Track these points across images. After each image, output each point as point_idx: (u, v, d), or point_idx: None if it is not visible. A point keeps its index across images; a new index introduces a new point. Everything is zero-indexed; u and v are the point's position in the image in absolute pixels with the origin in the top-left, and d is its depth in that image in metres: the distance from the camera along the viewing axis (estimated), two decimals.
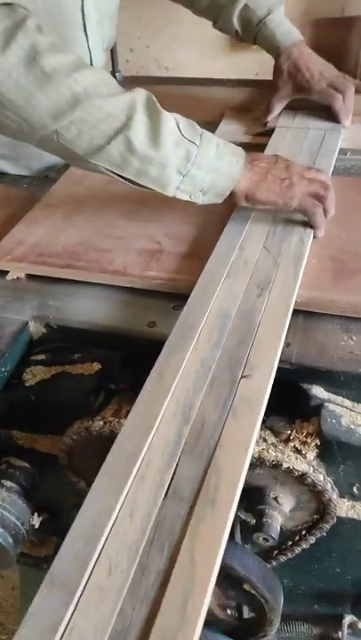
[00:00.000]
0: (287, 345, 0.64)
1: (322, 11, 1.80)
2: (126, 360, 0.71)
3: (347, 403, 0.63)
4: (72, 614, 0.39)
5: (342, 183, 0.88)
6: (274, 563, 0.69)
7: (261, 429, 0.63)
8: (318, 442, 0.61)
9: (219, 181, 0.73)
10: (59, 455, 0.68)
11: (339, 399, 0.63)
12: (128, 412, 0.65)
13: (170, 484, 0.47)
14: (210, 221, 0.82)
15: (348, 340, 0.65)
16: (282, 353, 0.62)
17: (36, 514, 0.73)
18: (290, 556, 0.69)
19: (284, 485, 0.62)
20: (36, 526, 0.73)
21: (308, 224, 0.77)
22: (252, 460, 0.59)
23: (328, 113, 1.04)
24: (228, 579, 0.64)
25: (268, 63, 1.91)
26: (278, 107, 1.08)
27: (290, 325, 0.66)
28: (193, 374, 0.57)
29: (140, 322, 0.70)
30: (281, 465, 0.59)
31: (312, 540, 0.66)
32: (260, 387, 0.55)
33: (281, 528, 0.63)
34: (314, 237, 0.77)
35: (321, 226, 0.77)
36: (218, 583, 0.66)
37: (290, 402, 0.63)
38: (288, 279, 0.68)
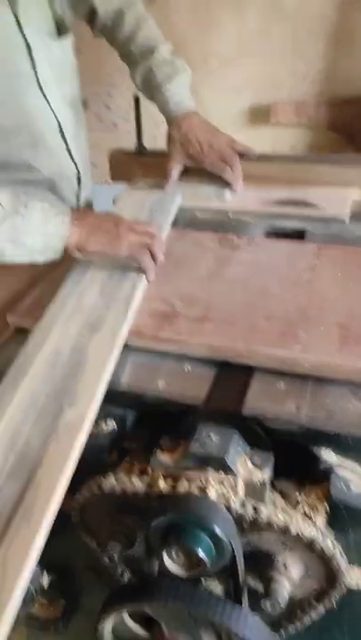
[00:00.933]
0: (297, 409, 0.66)
1: (335, 91, 1.90)
2: (139, 419, 0.72)
3: (357, 468, 0.63)
4: None
5: (347, 252, 0.93)
6: (283, 633, 0.68)
7: (271, 492, 0.63)
8: (327, 507, 0.61)
9: (51, 242, 0.81)
10: (71, 513, 0.69)
11: (349, 463, 0.64)
12: (141, 470, 0.67)
13: None
14: (220, 285, 0.86)
15: (356, 403, 0.66)
16: (292, 416, 0.64)
17: (45, 572, 0.73)
18: (299, 626, 0.67)
19: (292, 551, 0.62)
20: (45, 586, 0.73)
21: (140, 270, 0.85)
22: (261, 523, 0.59)
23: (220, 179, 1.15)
24: None
25: (285, 140, 2.02)
26: (175, 173, 1.17)
27: (299, 389, 0.68)
28: (23, 406, 0.64)
29: (153, 382, 0.72)
30: (290, 530, 0.59)
31: (321, 609, 0.65)
32: (83, 413, 0.62)
33: (289, 596, 0.62)
34: (147, 281, 0.86)
35: (150, 269, 0.86)
36: None
37: (299, 465, 0.64)
38: (117, 320, 0.77)
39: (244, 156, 1.18)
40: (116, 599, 0.65)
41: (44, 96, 1.08)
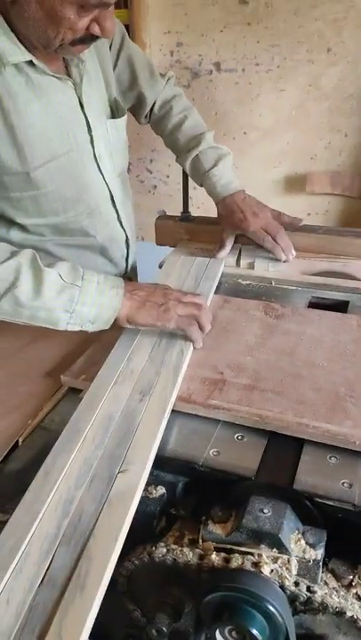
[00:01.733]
0: (350, 486, 0.66)
1: None
2: (189, 486, 0.73)
3: None
4: None
5: None
6: None
7: (323, 572, 0.62)
8: None
9: (102, 313, 0.85)
10: (118, 580, 0.69)
11: None
12: (190, 540, 0.67)
13: (45, 573, 0.53)
14: (267, 354, 0.88)
15: None
16: (344, 494, 0.64)
17: None
18: None
19: (346, 636, 0.60)
20: None
21: (188, 339, 0.89)
22: (314, 604, 0.59)
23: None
24: None
25: (319, 206, 2.08)
26: (228, 243, 1.24)
27: (351, 464, 0.68)
28: (76, 472, 0.65)
29: (203, 449, 0.73)
30: (344, 613, 0.58)
31: None
32: (134, 480, 0.63)
33: None
34: (194, 349, 0.90)
35: (198, 340, 0.90)
36: None
37: (353, 545, 0.63)
38: (167, 385, 0.79)
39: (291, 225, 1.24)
40: None
41: (100, 169, 1.15)
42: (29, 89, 0.96)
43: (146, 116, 1.35)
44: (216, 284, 1.12)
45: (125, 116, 1.24)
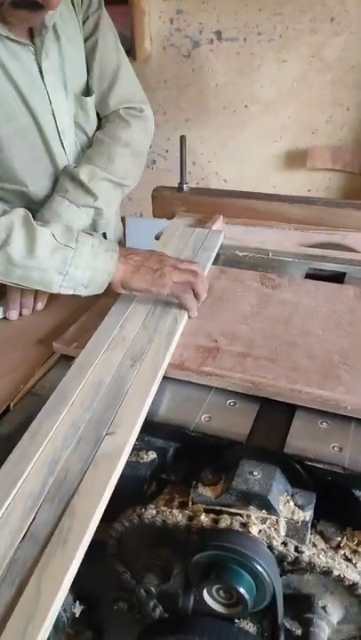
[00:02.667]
0: (340, 450, 0.66)
1: None
2: (180, 452, 0.73)
3: None
4: None
5: None
6: None
7: (311, 534, 0.63)
8: None
9: (96, 277, 0.84)
10: (108, 542, 0.69)
11: None
12: (180, 502, 0.67)
13: (28, 529, 0.53)
14: (262, 323, 0.87)
15: None
16: (334, 457, 0.64)
17: (77, 602, 0.73)
18: None
19: (333, 595, 0.61)
20: (77, 615, 0.73)
21: (183, 307, 0.88)
22: (302, 564, 0.59)
23: None
24: None
25: (320, 182, 2.06)
26: None
27: (341, 430, 0.68)
28: (63, 434, 0.65)
29: (195, 415, 0.73)
30: (331, 572, 0.58)
31: None
32: (121, 442, 0.63)
33: None
34: (189, 317, 0.88)
35: (193, 308, 0.88)
36: None
37: (341, 508, 0.63)
38: (159, 352, 0.79)
39: None
40: (150, 635, 0.64)
41: (62, 145, 1.12)
42: None
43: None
44: (214, 254, 1.11)
45: (93, 98, 1.18)
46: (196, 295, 0.89)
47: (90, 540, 0.53)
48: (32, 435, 0.65)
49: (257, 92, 1.97)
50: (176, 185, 1.35)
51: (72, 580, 0.49)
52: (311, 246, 1.16)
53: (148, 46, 1.96)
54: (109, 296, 0.97)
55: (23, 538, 0.52)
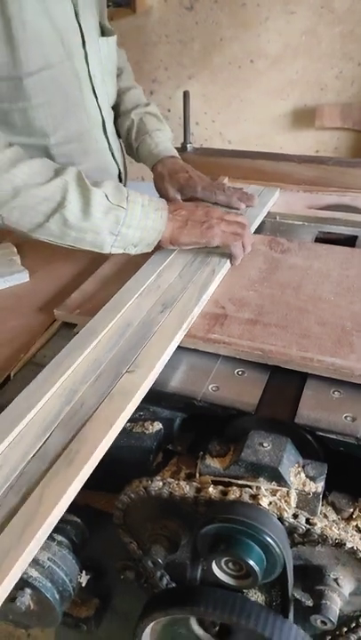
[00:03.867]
0: (353, 419, 0.63)
1: None
2: (186, 422, 0.71)
3: None
4: None
5: None
6: None
7: (323, 505, 0.61)
8: None
9: (147, 235, 0.85)
10: (114, 513, 0.68)
11: None
12: (187, 474, 0.65)
13: (39, 449, 0.57)
14: (272, 289, 0.84)
15: None
16: (347, 427, 0.62)
17: (84, 572, 0.72)
18: None
19: (345, 567, 0.59)
20: (83, 584, 0.72)
21: (225, 255, 0.89)
22: (313, 537, 0.57)
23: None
24: None
25: (328, 142, 1.99)
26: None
27: (354, 399, 0.66)
28: (84, 369, 0.67)
29: (202, 384, 0.70)
30: (344, 544, 0.57)
31: None
32: (139, 381, 0.65)
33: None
34: (231, 265, 0.90)
35: (239, 256, 0.90)
36: None
37: (354, 479, 0.62)
38: (190, 301, 0.79)
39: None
40: (158, 605, 0.63)
41: (93, 90, 1.07)
42: None
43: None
44: (265, 211, 1.09)
45: (115, 36, 1.15)
46: (242, 245, 0.90)
47: (94, 465, 0.55)
48: (55, 366, 0.67)
49: (263, 46, 1.88)
50: (179, 145, 1.29)
51: (71, 499, 0.52)
52: (321, 209, 1.12)
53: None
54: (111, 262, 0.94)
55: (34, 456, 0.56)
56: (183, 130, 1.25)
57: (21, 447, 0.57)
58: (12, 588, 0.46)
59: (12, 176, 0.76)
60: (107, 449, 0.57)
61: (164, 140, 1.18)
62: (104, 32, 1.11)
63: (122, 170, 1.24)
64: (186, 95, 1.18)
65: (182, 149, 1.27)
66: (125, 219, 0.81)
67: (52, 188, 0.78)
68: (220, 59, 1.84)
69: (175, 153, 1.17)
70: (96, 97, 1.09)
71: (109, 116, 1.16)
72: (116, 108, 1.23)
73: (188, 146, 1.26)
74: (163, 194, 1.13)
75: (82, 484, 0.53)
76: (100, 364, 0.68)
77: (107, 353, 0.70)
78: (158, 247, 0.88)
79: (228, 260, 0.90)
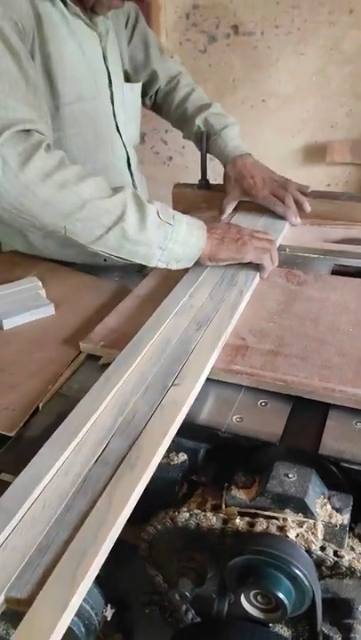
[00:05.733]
0: None
1: None
2: (211, 453, 0.72)
3: None
4: (10, 532, 0.52)
5: None
6: None
7: (349, 537, 0.61)
8: None
9: (189, 252, 0.91)
10: (140, 545, 0.68)
11: None
12: (213, 505, 0.66)
13: (100, 455, 0.61)
14: (291, 320, 0.86)
15: None
16: None
17: (109, 605, 0.72)
18: None
19: None
20: (108, 618, 0.72)
21: (251, 275, 0.96)
22: (341, 569, 0.57)
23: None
24: None
25: (339, 177, 2.03)
26: (229, 208, 1.23)
27: None
28: (133, 382, 0.72)
29: (226, 415, 0.71)
30: None
31: None
32: (186, 392, 0.69)
33: None
34: (261, 278, 0.97)
35: (268, 268, 0.97)
36: None
37: None
38: (223, 320, 0.84)
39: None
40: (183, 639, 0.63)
41: (118, 128, 1.13)
42: (64, 25, 0.97)
43: (150, 97, 1.35)
44: (283, 235, 1.14)
45: (140, 84, 1.22)
46: (270, 259, 0.97)
47: (154, 468, 0.60)
48: (105, 380, 0.72)
49: (275, 86, 1.94)
50: (195, 181, 1.33)
51: (136, 500, 0.56)
52: (335, 242, 1.14)
53: (164, 42, 1.95)
54: (132, 297, 0.96)
55: (96, 461, 0.60)
56: (201, 168, 1.29)
57: (83, 454, 0.61)
58: (90, 585, 0.50)
59: (79, 189, 0.81)
60: (162, 455, 0.62)
61: (233, 136, 1.25)
62: (128, 79, 1.18)
63: None
64: (203, 135, 1.23)
65: (200, 186, 1.31)
66: (172, 234, 0.87)
67: (114, 202, 0.83)
68: (232, 98, 1.90)
69: (244, 148, 1.24)
70: (120, 134, 1.14)
71: (133, 156, 1.22)
72: (181, 117, 1.31)
73: (205, 183, 1.30)
74: (228, 195, 1.22)
75: (144, 487, 0.58)
76: (146, 378, 0.72)
77: (152, 367, 0.74)
78: (196, 263, 0.94)
79: (255, 279, 0.95)
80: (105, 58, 1.06)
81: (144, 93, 1.32)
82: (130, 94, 1.17)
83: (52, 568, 0.49)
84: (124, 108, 1.16)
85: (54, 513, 0.54)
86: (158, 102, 1.36)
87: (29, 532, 0.52)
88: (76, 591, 0.47)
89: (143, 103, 1.35)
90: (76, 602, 0.47)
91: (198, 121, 1.26)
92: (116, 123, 1.14)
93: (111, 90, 1.09)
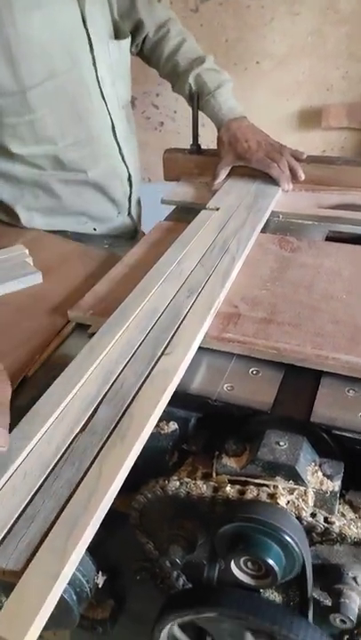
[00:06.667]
0: None
1: None
2: (202, 422, 0.71)
3: None
4: None
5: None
6: None
7: (340, 504, 0.61)
8: None
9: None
10: (130, 514, 0.68)
11: None
12: (204, 474, 0.65)
13: (86, 424, 0.59)
14: (283, 288, 0.84)
15: None
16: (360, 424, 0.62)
17: (100, 572, 0.72)
18: None
19: None
20: (100, 585, 0.72)
21: (242, 243, 0.93)
22: (332, 535, 0.57)
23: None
24: None
25: (335, 142, 1.99)
26: (223, 173, 1.19)
27: None
28: (119, 351, 0.69)
29: (217, 384, 0.70)
30: None
31: None
32: (178, 360, 0.67)
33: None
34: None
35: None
36: None
37: None
38: (215, 287, 0.81)
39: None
40: (176, 606, 0.63)
41: (102, 95, 1.08)
42: None
43: (137, 45, 1.27)
44: (275, 202, 1.11)
45: (129, 38, 1.16)
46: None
47: (145, 439, 0.58)
48: (90, 349, 0.70)
49: (269, 47, 1.87)
50: (187, 146, 1.30)
51: (128, 470, 0.55)
52: (330, 208, 1.12)
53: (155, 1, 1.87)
54: (122, 264, 0.94)
55: (82, 431, 0.59)
56: (192, 132, 1.25)
57: (66, 423, 0.60)
58: (82, 555, 0.49)
59: None
60: (154, 425, 0.60)
61: (227, 97, 1.20)
62: (118, 34, 1.11)
63: (131, 172, 1.24)
64: (194, 96, 1.18)
65: (191, 151, 1.27)
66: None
67: None
68: (225, 60, 1.84)
69: (239, 111, 1.19)
70: (105, 101, 1.09)
71: (120, 120, 1.16)
72: (172, 71, 1.24)
73: (197, 148, 1.26)
74: (222, 159, 1.18)
75: (135, 457, 0.57)
76: (133, 347, 0.70)
77: (138, 335, 0.72)
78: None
79: (248, 245, 0.93)
80: (84, 20, 0.99)
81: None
82: (117, 53, 1.11)
83: (41, 538, 0.48)
84: (111, 69, 1.10)
85: (36, 482, 0.53)
86: (146, 53, 1.29)
87: (10, 502, 0.51)
88: (68, 562, 0.46)
89: (132, 51, 1.27)
90: (67, 572, 0.46)
91: (191, 79, 1.20)
92: (101, 89, 1.08)
93: (93, 55, 1.03)
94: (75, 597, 0.67)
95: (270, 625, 0.56)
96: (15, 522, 0.50)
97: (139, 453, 0.57)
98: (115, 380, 0.65)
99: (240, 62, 1.92)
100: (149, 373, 0.65)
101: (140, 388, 0.63)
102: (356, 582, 0.59)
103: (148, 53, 1.28)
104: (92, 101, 1.07)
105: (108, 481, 0.53)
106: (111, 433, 0.58)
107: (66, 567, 0.46)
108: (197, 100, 1.19)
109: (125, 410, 0.60)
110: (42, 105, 0.97)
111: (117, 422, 0.59)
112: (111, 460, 0.55)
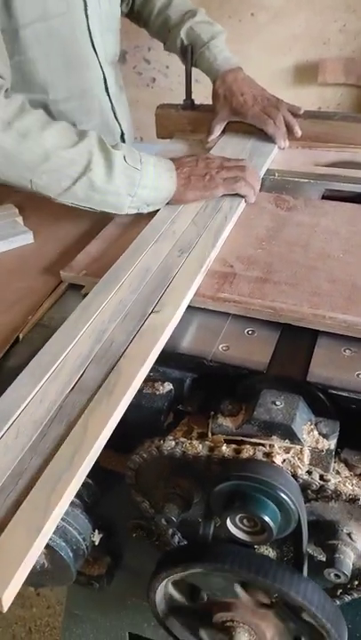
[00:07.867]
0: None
1: None
2: (197, 382, 0.70)
3: None
4: None
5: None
6: (338, 602, 0.67)
7: (335, 462, 0.61)
8: None
9: (159, 195, 0.87)
10: (126, 473, 0.68)
11: None
12: (199, 433, 0.65)
13: (76, 383, 0.59)
14: (280, 247, 0.83)
15: None
16: (359, 385, 0.62)
17: (97, 530, 0.73)
18: (356, 596, 0.66)
19: (358, 521, 0.60)
20: (96, 543, 0.73)
21: (236, 200, 0.91)
22: (327, 492, 0.57)
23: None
24: (288, 608, 0.62)
25: (331, 99, 1.94)
26: (218, 129, 1.16)
27: None
28: (111, 310, 0.70)
29: (212, 344, 0.70)
30: (357, 499, 0.57)
31: None
32: (167, 318, 0.67)
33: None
34: (246, 203, 0.92)
35: (249, 194, 0.91)
36: (278, 614, 0.64)
37: None
38: (207, 245, 0.81)
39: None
40: (172, 561, 0.64)
41: (93, 46, 1.04)
42: None
43: (127, 3, 1.23)
44: (270, 160, 1.08)
45: None
46: (249, 185, 0.91)
47: (133, 395, 0.59)
48: (82, 309, 0.70)
49: None
50: (181, 102, 1.25)
51: (114, 426, 0.56)
52: (327, 165, 1.09)
53: None
54: (115, 224, 0.92)
55: (72, 389, 0.59)
56: (186, 87, 1.20)
57: (58, 382, 0.60)
58: (65, 508, 0.49)
59: (43, 140, 0.77)
60: (141, 382, 0.61)
61: (222, 48, 1.16)
62: None
63: (124, 130, 1.21)
64: (188, 49, 1.14)
65: (185, 107, 1.23)
66: (140, 180, 0.83)
67: (79, 151, 0.79)
68: (219, 12, 1.77)
69: (235, 61, 1.16)
70: (96, 52, 1.05)
71: (111, 75, 1.12)
72: (163, 26, 1.21)
73: (190, 103, 1.22)
74: (217, 114, 1.14)
75: (122, 414, 0.57)
76: (125, 306, 0.70)
77: (130, 295, 0.72)
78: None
79: (240, 204, 0.90)
80: None
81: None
82: (107, 5, 1.06)
83: (26, 494, 0.48)
84: (100, 20, 1.05)
85: (28, 440, 0.53)
86: (136, 9, 1.24)
87: (1, 460, 0.52)
88: (50, 516, 0.46)
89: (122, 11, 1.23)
90: (49, 527, 0.46)
91: (183, 32, 1.16)
92: (92, 38, 1.04)
93: (85, 2, 0.98)
94: (71, 555, 0.68)
95: (267, 579, 0.57)
96: (5, 480, 0.50)
97: (125, 409, 0.57)
98: (106, 339, 0.65)
99: (234, 14, 1.85)
100: (138, 331, 0.65)
101: (128, 346, 0.63)
102: (351, 538, 0.60)
103: (138, 9, 1.24)
104: (84, 50, 1.03)
105: (94, 437, 0.53)
106: (98, 390, 0.58)
107: (48, 522, 0.46)
108: (191, 53, 1.14)
109: (113, 367, 0.61)
110: (32, 46, 0.94)
111: (105, 380, 0.59)
112: (97, 417, 0.55)
